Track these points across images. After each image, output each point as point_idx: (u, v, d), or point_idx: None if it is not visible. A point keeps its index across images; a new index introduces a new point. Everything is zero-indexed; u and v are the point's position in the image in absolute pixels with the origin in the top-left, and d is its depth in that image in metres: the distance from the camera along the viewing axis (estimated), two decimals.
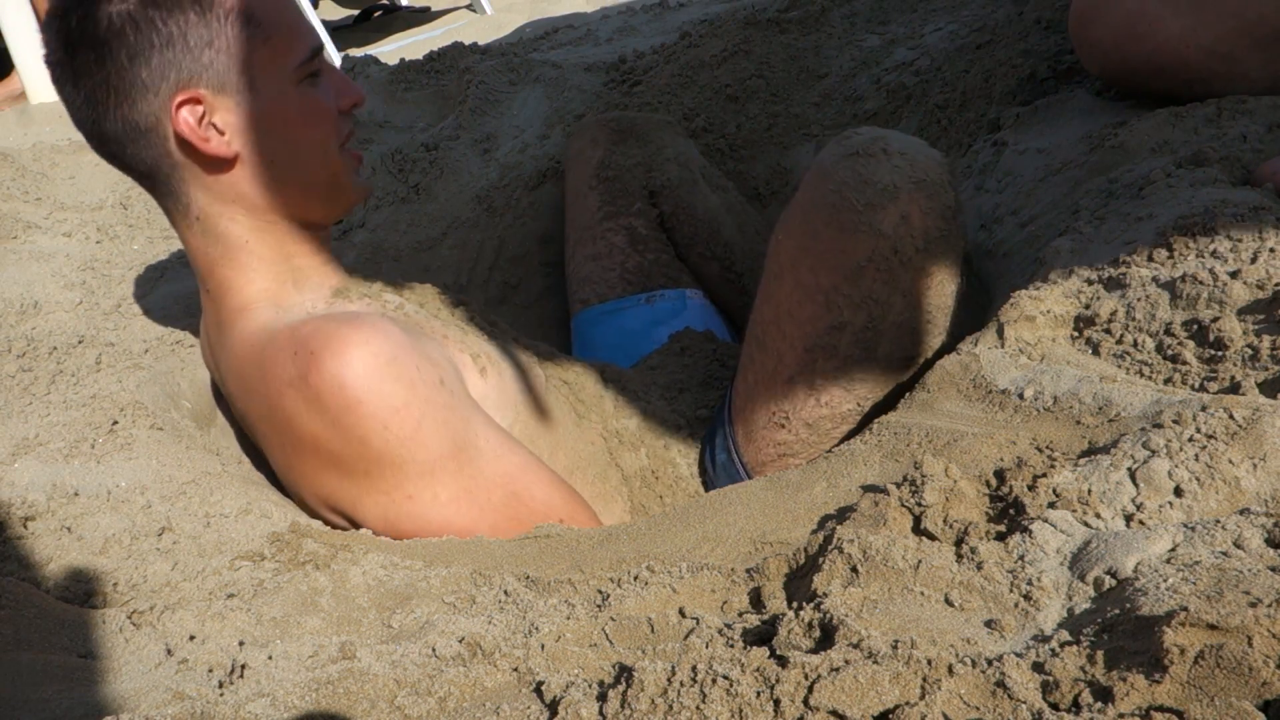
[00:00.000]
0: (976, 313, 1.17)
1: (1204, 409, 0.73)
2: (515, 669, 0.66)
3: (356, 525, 1.03)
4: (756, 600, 0.74)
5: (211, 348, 1.16)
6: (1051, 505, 0.70)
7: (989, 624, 0.62)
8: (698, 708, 0.56)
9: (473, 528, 1.01)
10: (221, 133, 1.01)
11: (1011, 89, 1.63)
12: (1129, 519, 0.68)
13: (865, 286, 1.06)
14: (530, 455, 1.09)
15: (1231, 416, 0.71)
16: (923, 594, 0.65)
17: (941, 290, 1.08)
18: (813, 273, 1.09)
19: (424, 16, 3.95)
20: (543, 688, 0.62)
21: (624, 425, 1.30)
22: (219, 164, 1.03)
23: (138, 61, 0.96)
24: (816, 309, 1.09)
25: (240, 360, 1.07)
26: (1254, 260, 0.91)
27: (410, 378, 0.98)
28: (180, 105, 0.98)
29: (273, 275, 1.09)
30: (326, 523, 1.07)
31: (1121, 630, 0.55)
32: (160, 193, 1.07)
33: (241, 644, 0.75)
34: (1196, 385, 0.82)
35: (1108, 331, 0.92)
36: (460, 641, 0.70)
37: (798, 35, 2.17)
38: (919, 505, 0.74)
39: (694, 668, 0.58)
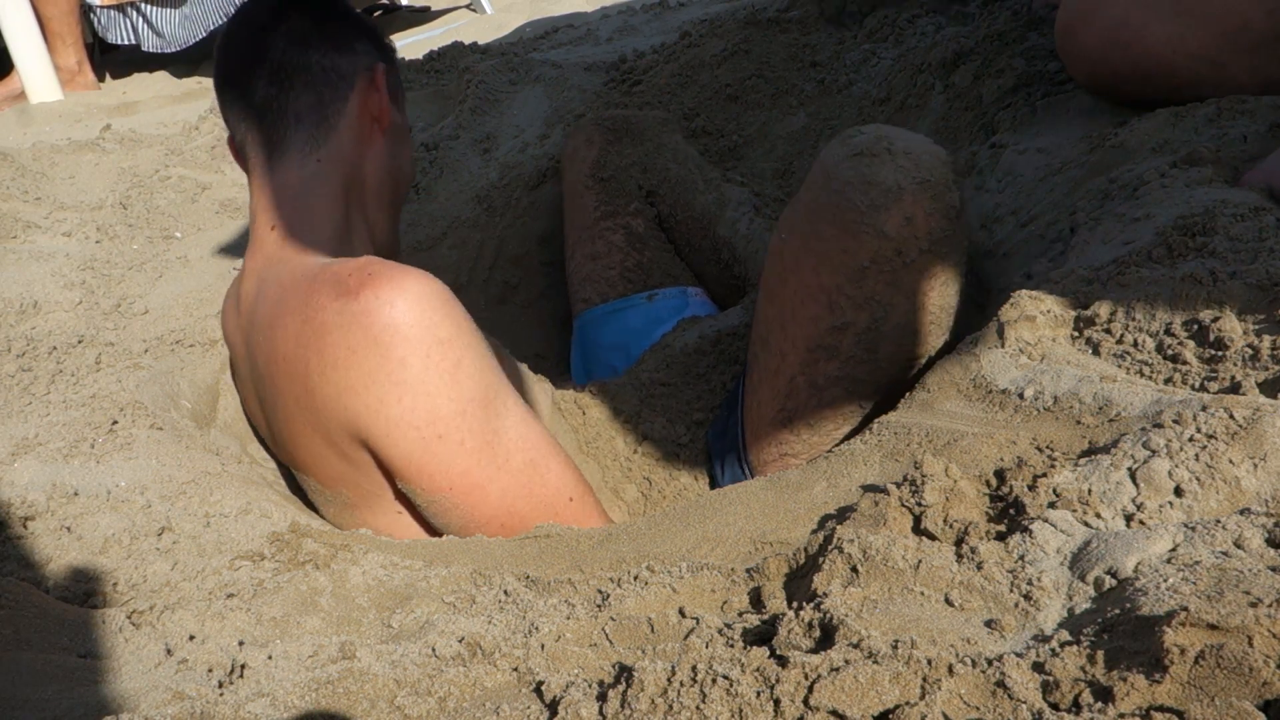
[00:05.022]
0: (976, 313, 1.17)
1: (1204, 409, 0.73)
2: (515, 669, 0.66)
3: (376, 458, 1.02)
4: (756, 600, 0.73)
5: (245, 288, 1.16)
6: (1051, 505, 0.70)
7: (989, 624, 0.62)
8: (698, 708, 0.56)
9: (487, 485, 1.01)
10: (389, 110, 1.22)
11: (1012, 89, 1.63)
12: (1129, 519, 0.68)
13: (868, 288, 1.05)
14: (550, 434, 1.10)
15: (1232, 416, 0.71)
16: (923, 594, 0.65)
17: (945, 291, 1.08)
18: (815, 273, 1.08)
19: (424, 16, 3.95)
20: (543, 688, 0.62)
21: (625, 457, 1.32)
22: (368, 130, 1.21)
23: (362, 36, 1.22)
24: (819, 309, 1.09)
25: (284, 287, 1.07)
26: (1254, 260, 0.91)
27: (458, 319, 1.01)
28: (385, 73, 1.22)
29: (339, 237, 1.17)
30: (337, 472, 1.06)
31: (1121, 630, 0.55)
32: (294, 131, 1.18)
33: (241, 644, 0.75)
34: (1196, 385, 0.82)
35: (1108, 331, 0.92)
36: (460, 641, 0.70)
37: (798, 35, 2.17)
38: (919, 505, 0.74)
39: (694, 668, 0.58)
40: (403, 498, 1.05)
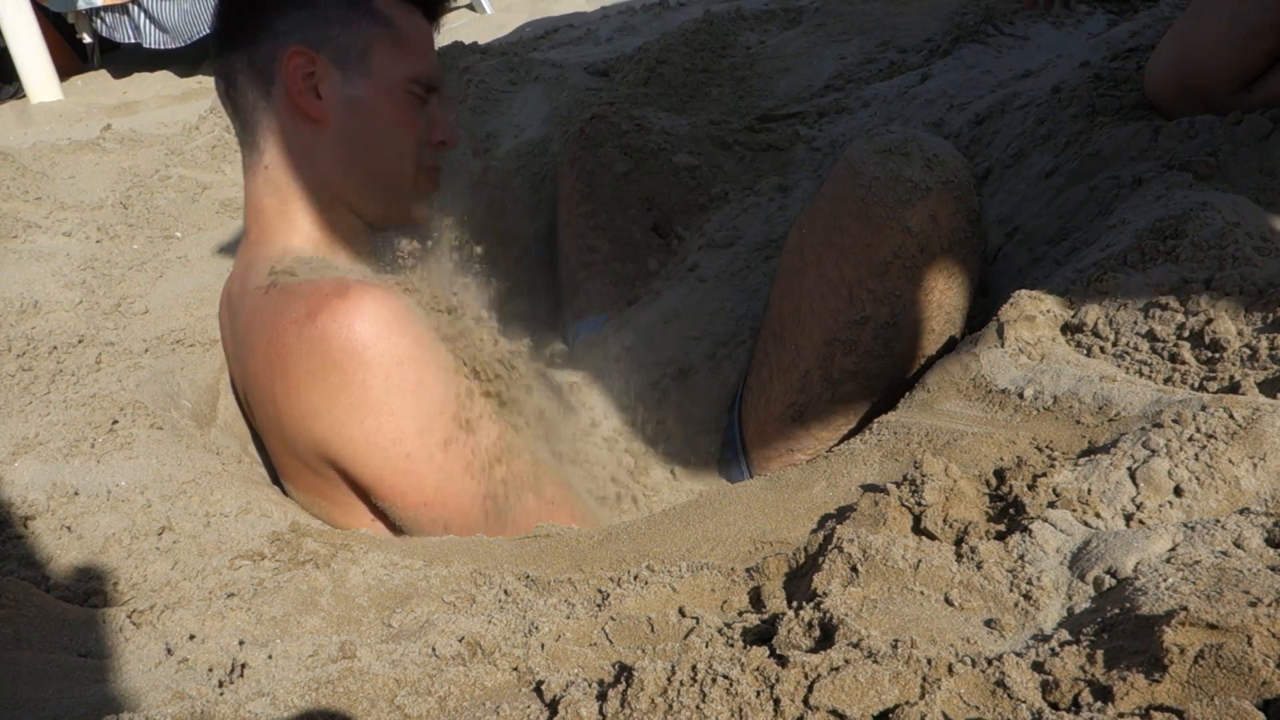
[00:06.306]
0: (976, 313, 1.17)
1: (1204, 408, 0.73)
2: (515, 669, 0.66)
3: (347, 478, 1.02)
4: (756, 600, 0.73)
5: (232, 297, 1.16)
6: (1051, 505, 0.70)
7: (989, 623, 0.62)
8: (698, 707, 0.56)
9: (463, 496, 1.00)
10: (320, 99, 1.10)
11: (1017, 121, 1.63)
12: (1129, 518, 0.68)
13: (889, 282, 1.07)
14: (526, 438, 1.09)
15: (1231, 416, 0.71)
16: (923, 594, 0.65)
17: (961, 291, 1.10)
18: (837, 266, 1.10)
19: None
20: (543, 687, 0.62)
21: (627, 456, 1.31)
22: (308, 123, 1.11)
23: (281, 11, 1.10)
24: (839, 303, 1.10)
25: (258, 302, 1.07)
26: (1247, 262, 0.91)
27: (418, 335, 0.99)
28: (293, 56, 1.09)
29: (313, 240, 1.13)
30: (312, 484, 1.06)
31: (1121, 630, 0.55)
32: (245, 138, 1.16)
33: (241, 643, 0.75)
34: (1196, 385, 0.82)
35: (1097, 334, 0.92)
36: (460, 641, 0.70)
37: (795, 35, 2.17)
38: (919, 505, 0.74)
39: (694, 667, 0.58)
40: (377, 508, 1.05)
